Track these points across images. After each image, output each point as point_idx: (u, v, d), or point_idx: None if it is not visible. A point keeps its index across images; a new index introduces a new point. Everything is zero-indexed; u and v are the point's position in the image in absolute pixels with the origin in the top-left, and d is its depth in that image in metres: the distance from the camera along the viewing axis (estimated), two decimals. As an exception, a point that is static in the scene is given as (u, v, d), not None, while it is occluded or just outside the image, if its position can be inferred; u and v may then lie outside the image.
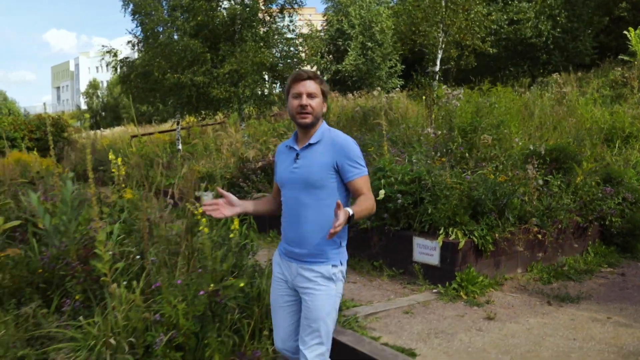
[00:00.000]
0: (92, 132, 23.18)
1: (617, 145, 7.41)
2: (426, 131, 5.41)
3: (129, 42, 14.98)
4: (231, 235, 3.31)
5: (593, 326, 3.61)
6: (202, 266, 3.30)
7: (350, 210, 2.02)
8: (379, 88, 16.10)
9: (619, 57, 13.08)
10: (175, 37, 12.57)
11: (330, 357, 2.31)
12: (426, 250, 4.59)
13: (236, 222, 3.28)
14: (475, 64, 12.90)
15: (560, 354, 3.16)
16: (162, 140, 13.74)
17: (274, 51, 13.30)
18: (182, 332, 2.90)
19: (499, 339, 3.41)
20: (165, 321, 2.93)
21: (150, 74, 13.22)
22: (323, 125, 2.29)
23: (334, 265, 2.22)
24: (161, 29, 13.43)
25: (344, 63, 22.01)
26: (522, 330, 3.55)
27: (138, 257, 3.30)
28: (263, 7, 13.10)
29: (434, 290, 4.41)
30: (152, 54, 12.86)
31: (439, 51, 11.48)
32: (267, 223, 6.80)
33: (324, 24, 25.12)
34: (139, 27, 14.39)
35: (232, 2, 12.64)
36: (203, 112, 13.60)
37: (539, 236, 4.68)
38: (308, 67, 16.14)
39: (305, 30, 14.27)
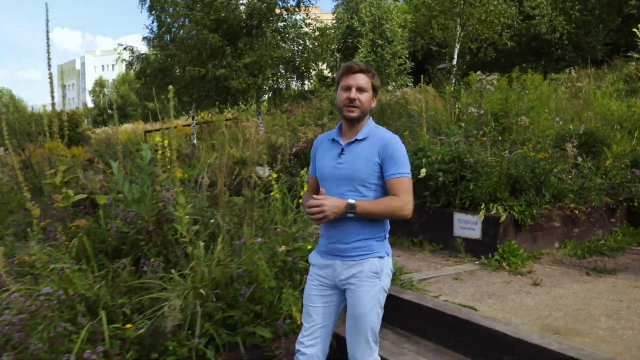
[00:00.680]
0: (105, 128, 23.43)
1: (635, 136, 7.63)
2: (470, 110, 5.63)
3: (144, 38, 15.25)
4: (300, 201, 3.52)
5: (636, 292, 3.81)
6: (273, 229, 3.53)
7: (351, 200, 2.07)
8: (393, 83, 16.31)
9: (629, 54, 13.26)
10: (194, 32, 12.78)
11: (393, 313, 2.42)
12: (468, 225, 4.80)
13: (305, 188, 3.50)
14: (494, 54, 13.08)
15: (610, 312, 3.36)
16: (184, 132, 13.98)
17: (291, 45, 13.57)
18: (262, 287, 3.12)
19: (549, 300, 3.62)
20: (246, 277, 3.15)
21: (166, 69, 13.47)
22: (370, 122, 2.25)
23: (380, 257, 2.19)
24: (179, 23, 13.70)
25: (353, 60, 22.21)
26: (569, 294, 3.76)
27: (212, 221, 3.52)
28: (280, 3, 13.36)
29: (477, 262, 4.62)
30: (171, 47, 13.11)
31: (457, 44, 11.68)
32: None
33: (334, 21, 25.38)
34: (155, 23, 14.67)
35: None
36: (221, 105, 13.84)
37: (576, 212, 4.89)
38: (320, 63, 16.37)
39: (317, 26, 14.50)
